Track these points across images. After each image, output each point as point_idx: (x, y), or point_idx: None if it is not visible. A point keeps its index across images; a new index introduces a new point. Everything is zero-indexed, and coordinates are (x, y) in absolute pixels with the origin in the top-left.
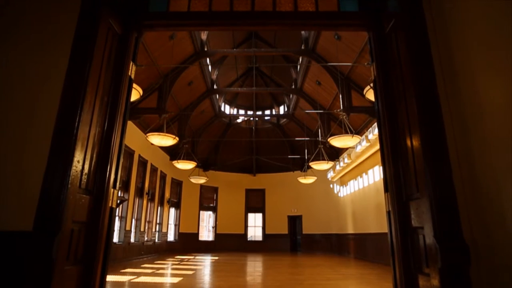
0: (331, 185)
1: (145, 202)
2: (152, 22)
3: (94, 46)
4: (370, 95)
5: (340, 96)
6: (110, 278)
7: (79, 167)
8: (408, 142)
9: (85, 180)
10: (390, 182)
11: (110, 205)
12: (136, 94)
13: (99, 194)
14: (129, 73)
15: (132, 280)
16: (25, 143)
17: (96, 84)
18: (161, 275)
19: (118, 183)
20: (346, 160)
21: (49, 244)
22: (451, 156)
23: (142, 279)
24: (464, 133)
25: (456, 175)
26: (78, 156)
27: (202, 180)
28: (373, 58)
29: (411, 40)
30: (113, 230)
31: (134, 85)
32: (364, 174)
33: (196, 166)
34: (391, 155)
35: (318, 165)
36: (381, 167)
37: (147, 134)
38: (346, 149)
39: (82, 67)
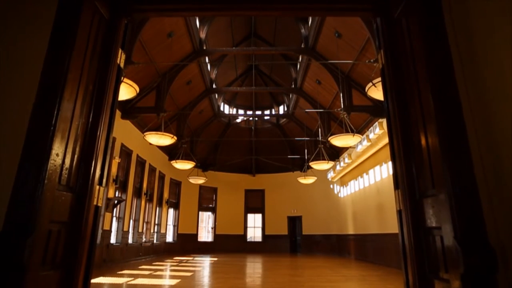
0: (331, 186)
1: (143, 202)
2: (143, 6)
3: (77, 29)
4: (371, 92)
5: (341, 95)
6: (107, 280)
7: (59, 161)
8: (422, 134)
9: (65, 176)
10: (402, 178)
11: (95, 203)
12: (132, 91)
13: (83, 191)
14: (118, 61)
15: (129, 282)
16: None
17: (79, 71)
18: (159, 276)
19: (104, 180)
20: (346, 160)
21: (20, 247)
22: (471, 147)
23: (140, 281)
24: (486, 122)
25: (478, 168)
26: (57, 149)
27: (201, 181)
28: (381, 45)
29: (425, 24)
30: (98, 231)
31: (131, 82)
32: (364, 174)
33: (195, 166)
34: (402, 149)
35: (318, 165)
36: (382, 167)
37: (145, 133)
38: (347, 149)
39: (62, 52)
